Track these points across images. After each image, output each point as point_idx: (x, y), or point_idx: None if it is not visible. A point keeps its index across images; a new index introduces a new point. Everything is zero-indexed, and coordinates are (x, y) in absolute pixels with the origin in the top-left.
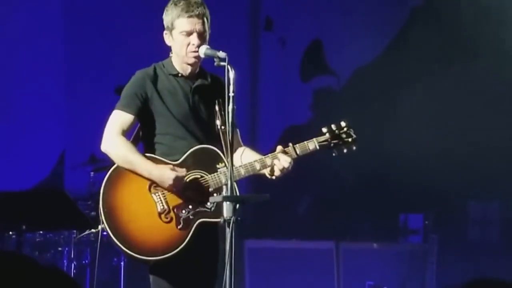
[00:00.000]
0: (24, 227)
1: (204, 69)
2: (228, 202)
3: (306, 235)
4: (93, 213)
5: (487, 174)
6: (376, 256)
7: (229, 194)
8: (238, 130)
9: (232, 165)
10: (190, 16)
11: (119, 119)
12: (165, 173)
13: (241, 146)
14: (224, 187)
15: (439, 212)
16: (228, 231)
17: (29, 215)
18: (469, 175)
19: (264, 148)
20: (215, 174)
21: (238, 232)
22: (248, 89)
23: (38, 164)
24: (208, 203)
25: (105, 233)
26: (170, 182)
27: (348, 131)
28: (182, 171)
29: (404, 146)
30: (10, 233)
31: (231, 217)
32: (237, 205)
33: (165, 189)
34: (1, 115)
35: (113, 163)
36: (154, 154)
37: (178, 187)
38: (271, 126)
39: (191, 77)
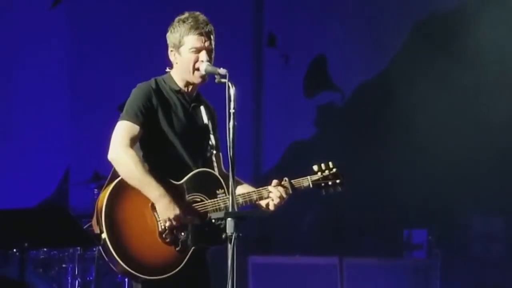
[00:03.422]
0: (26, 244)
1: (199, 92)
2: (230, 218)
3: (310, 251)
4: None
5: (491, 189)
6: (380, 272)
7: (230, 210)
8: (220, 154)
9: (234, 182)
10: (200, 34)
11: (128, 130)
12: (171, 207)
13: (222, 170)
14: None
15: (443, 227)
16: (230, 247)
17: (31, 232)
18: (473, 190)
19: (269, 163)
20: (214, 200)
21: (242, 248)
22: (252, 105)
23: (43, 181)
24: (206, 229)
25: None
26: (171, 216)
27: (336, 173)
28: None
29: (408, 160)
30: (14, 250)
31: (233, 233)
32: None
33: (161, 218)
34: (6, 133)
35: (116, 173)
36: (149, 168)
37: (175, 223)
38: (275, 142)
39: (190, 96)
